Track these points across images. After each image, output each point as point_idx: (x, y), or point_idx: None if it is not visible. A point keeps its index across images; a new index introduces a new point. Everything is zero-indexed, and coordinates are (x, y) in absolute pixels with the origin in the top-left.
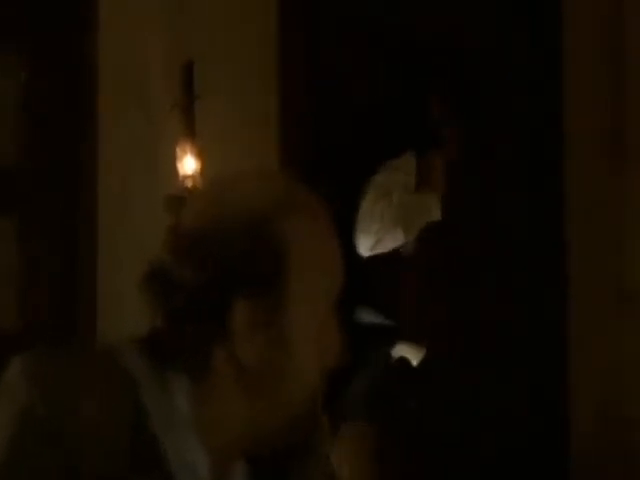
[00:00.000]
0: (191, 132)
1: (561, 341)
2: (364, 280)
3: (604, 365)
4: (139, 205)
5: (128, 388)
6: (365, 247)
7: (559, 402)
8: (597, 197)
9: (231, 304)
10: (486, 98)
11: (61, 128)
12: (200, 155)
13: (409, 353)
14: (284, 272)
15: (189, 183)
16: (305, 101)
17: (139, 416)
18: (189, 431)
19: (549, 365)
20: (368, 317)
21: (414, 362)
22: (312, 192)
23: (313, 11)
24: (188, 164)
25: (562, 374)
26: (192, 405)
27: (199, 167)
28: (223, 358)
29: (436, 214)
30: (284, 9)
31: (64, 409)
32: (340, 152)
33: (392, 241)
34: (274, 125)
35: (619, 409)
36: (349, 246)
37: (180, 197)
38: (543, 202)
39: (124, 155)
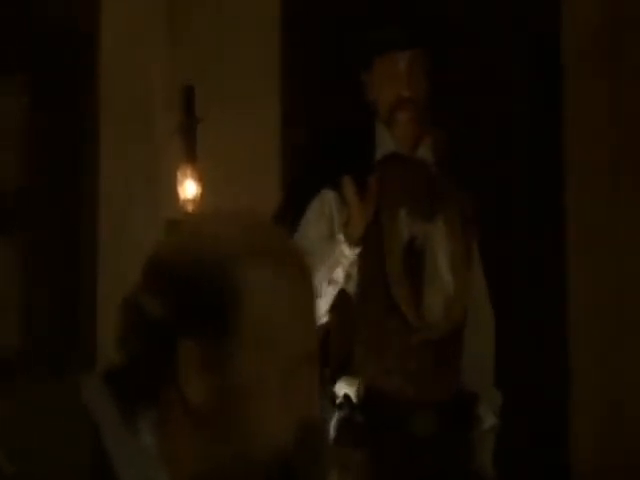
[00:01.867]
0: (192, 156)
1: (563, 370)
2: None
3: (604, 388)
4: (140, 229)
5: (89, 431)
6: None
7: (560, 428)
8: (597, 230)
9: (180, 343)
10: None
11: (63, 152)
12: (201, 179)
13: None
14: (237, 318)
15: (190, 207)
16: (308, 124)
17: (100, 459)
18: (155, 468)
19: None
20: None
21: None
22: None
23: (316, 33)
24: (189, 188)
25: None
26: (157, 441)
27: (200, 191)
28: (174, 397)
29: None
30: (287, 33)
31: (31, 463)
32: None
33: None
34: (275, 149)
35: (620, 434)
36: None
37: (181, 221)
38: (543, 235)
39: (125, 179)
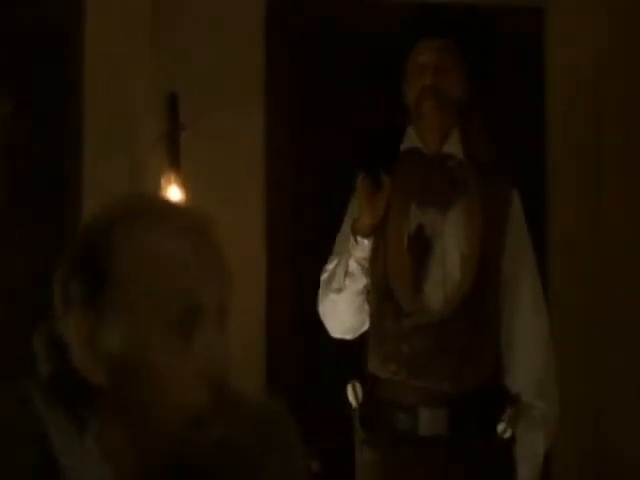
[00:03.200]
0: (176, 163)
1: None
2: None
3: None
4: None
5: (36, 432)
6: None
7: None
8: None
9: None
10: None
11: (45, 159)
12: (185, 186)
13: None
14: (113, 276)
15: None
16: (291, 131)
17: (47, 462)
18: (100, 469)
19: None
20: None
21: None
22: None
23: (300, 41)
24: (173, 195)
25: None
26: (96, 441)
27: (184, 198)
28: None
29: None
30: (270, 39)
31: None
32: (325, 183)
33: None
34: (259, 155)
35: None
36: None
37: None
38: None
39: (109, 186)
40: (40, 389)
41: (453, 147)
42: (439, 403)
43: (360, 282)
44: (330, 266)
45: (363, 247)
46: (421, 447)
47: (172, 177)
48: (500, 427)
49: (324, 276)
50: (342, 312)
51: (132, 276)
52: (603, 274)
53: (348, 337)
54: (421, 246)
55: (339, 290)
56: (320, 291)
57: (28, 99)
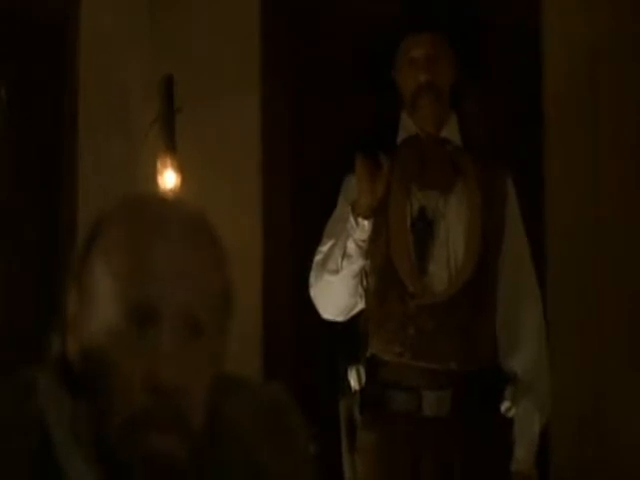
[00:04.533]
0: (171, 146)
1: None
2: None
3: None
4: None
5: (37, 420)
6: None
7: None
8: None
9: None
10: None
11: (41, 144)
12: (181, 169)
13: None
14: (86, 266)
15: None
16: (288, 114)
17: (45, 447)
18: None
19: None
20: None
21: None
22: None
23: (296, 24)
24: (169, 178)
25: None
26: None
27: (180, 181)
28: None
29: None
30: (266, 21)
31: None
32: (322, 166)
33: None
34: (255, 138)
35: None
36: None
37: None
38: None
39: (104, 169)
40: (48, 375)
41: (450, 132)
42: (442, 384)
43: (357, 264)
44: (324, 248)
45: (363, 228)
46: (422, 428)
47: (168, 161)
48: (504, 405)
49: (318, 257)
50: (337, 293)
51: (106, 271)
52: (601, 259)
53: (340, 319)
54: (424, 228)
55: (335, 271)
56: (313, 273)
57: (22, 83)
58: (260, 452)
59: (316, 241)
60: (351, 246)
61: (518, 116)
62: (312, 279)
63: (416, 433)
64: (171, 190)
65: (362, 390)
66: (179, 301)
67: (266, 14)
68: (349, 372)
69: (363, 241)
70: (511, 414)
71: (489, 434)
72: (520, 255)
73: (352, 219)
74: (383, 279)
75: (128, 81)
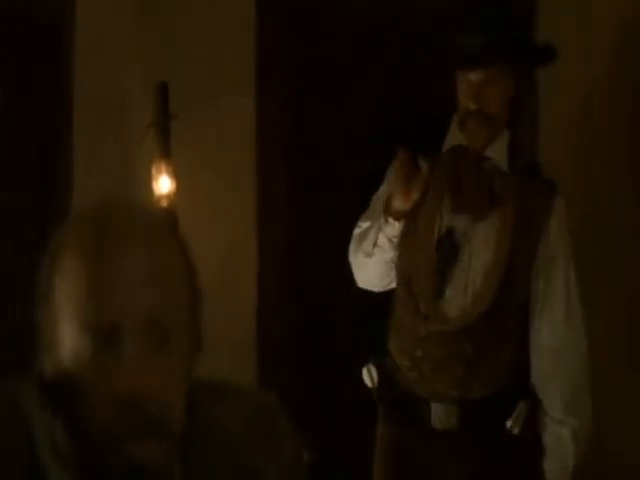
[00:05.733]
0: (167, 152)
1: None
2: None
3: None
4: None
5: (24, 435)
6: None
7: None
8: None
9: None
10: None
11: (36, 148)
12: (176, 175)
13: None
14: (50, 286)
15: (165, 203)
16: (285, 118)
17: (34, 462)
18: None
19: None
20: None
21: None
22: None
23: (292, 30)
24: (164, 184)
25: None
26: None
27: (175, 187)
28: None
29: None
30: (262, 28)
31: None
32: (318, 170)
33: None
34: (250, 144)
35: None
36: None
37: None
38: None
39: (99, 175)
40: (33, 388)
41: (496, 151)
42: (451, 401)
43: (388, 254)
44: (364, 224)
45: (394, 227)
46: (433, 440)
47: (163, 166)
48: (509, 423)
49: (357, 231)
50: (371, 274)
51: (66, 292)
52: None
53: (376, 290)
54: (449, 249)
55: (368, 255)
56: (352, 244)
57: (17, 87)
58: (249, 456)
59: (313, 246)
60: (383, 239)
61: None
62: (351, 249)
63: (426, 444)
64: (166, 195)
65: (378, 389)
66: (139, 311)
67: (261, 18)
68: (363, 370)
69: (394, 237)
70: (516, 431)
71: (502, 449)
72: (551, 283)
73: (383, 216)
74: (403, 286)
75: (123, 85)
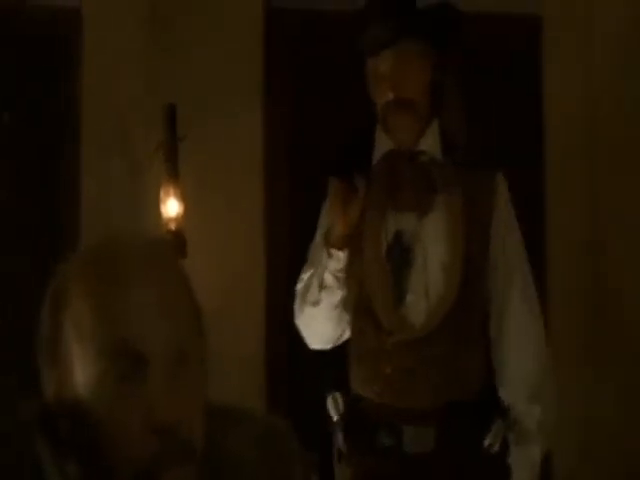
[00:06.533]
0: (174, 174)
1: None
2: None
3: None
4: None
5: (30, 458)
6: None
7: None
8: None
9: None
10: None
11: (43, 171)
12: (183, 198)
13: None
14: (60, 328)
15: (172, 226)
16: (290, 142)
17: None
18: None
19: None
20: None
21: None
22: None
23: (298, 52)
24: (171, 207)
25: None
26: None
27: (182, 210)
28: None
29: None
30: (270, 52)
31: None
32: (325, 195)
33: None
34: (258, 167)
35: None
36: None
37: (169, 239)
38: None
39: (107, 198)
40: (35, 425)
41: (428, 142)
42: (424, 421)
43: (337, 295)
44: (305, 276)
45: (338, 259)
46: (405, 465)
47: (170, 189)
48: (486, 441)
49: (299, 286)
50: (320, 325)
51: (79, 327)
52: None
53: (328, 347)
54: (400, 254)
55: (316, 303)
56: (296, 302)
57: (25, 109)
58: None
59: None
60: (329, 278)
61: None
62: (296, 309)
63: (399, 471)
64: (174, 218)
65: (343, 418)
66: (162, 338)
67: (269, 41)
68: (327, 401)
69: (340, 271)
70: (494, 450)
71: (477, 469)
72: (507, 268)
73: (325, 251)
74: (359, 312)
75: (130, 110)
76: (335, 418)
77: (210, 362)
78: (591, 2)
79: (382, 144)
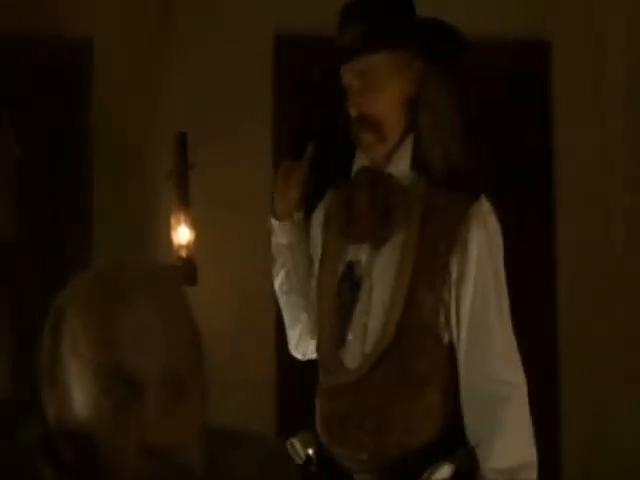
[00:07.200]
0: (185, 202)
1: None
2: None
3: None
4: None
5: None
6: None
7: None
8: None
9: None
10: None
11: (56, 199)
12: (194, 224)
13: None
14: (59, 354)
15: (184, 253)
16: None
17: None
18: None
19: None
20: None
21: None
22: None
23: (308, 84)
24: (182, 234)
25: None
26: None
27: (193, 237)
28: None
29: None
30: (279, 80)
31: None
32: None
33: None
34: (268, 192)
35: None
36: None
37: (174, 267)
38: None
39: (118, 224)
40: (37, 446)
41: (398, 164)
42: (371, 468)
43: (281, 274)
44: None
45: (281, 232)
46: None
47: (181, 216)
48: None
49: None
50: (290, 316)
51: (76, 347)
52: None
53: (299, 357)
54: (350, 289)
55: (282, 291)
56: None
57: (37, 139)
58: None
59: None
60: (274, 250)
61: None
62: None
63: None
64: (185, 245)
65: (305, 464)
66: (158, 363)
67: (279, 70)
68: (287, 446)
69: (283, 245)
70: None
71: None
72: (474, 323)
73: (270, 222)
74: (316, 346)
75: (142, 138)
76: (299, 462)
77: (211, 387)
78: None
79: (359, 159)
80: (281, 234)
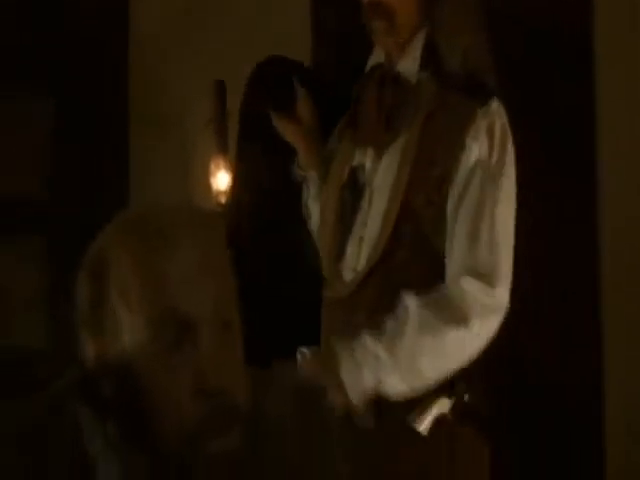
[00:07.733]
0: (224, 148)
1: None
2: None
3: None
4: None
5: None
6: None
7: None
8: None
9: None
10: None
11: (93, 145)
12: (233, 170)
13: None
14: (105, 295)
15: (223, 199)
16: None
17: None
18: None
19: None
20: None
21: None
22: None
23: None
24: (221, 180)
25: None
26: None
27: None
28: None
29: None
30: (318, 27)
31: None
32: None
33: None
34: None
35: None
36: None
37: (215, 212)
38: None
39: (157, 172)
40: (73, 391)
41: (409, 62)
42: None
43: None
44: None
45: (309, 182)
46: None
47: (220, 162)
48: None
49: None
50: None
51: (126, 295)
52: None
53: None
54: (351, 195)
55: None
56: None
57: (73, 90)
58: (296, 450)
59: None
60: (304, 198)
61: None
62: None
63: None
64: (224, 191)
65: None
66: (209, 304)
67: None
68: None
69: (311, 197)
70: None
71: None
72: (467, 237)
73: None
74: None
75: (181, 83)
76: None
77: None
78: None
79: (375, 55)
80: (312, 185)
